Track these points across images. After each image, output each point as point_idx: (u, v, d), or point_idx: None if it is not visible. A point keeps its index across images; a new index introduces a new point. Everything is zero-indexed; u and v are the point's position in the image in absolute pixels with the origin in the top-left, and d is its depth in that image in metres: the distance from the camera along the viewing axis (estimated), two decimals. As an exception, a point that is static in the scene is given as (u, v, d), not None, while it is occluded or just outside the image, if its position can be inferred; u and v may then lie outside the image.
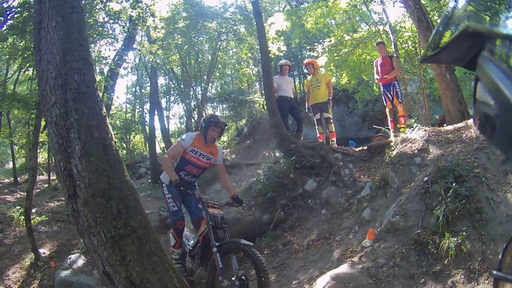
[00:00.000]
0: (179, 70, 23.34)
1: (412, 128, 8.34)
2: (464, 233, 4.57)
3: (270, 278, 5.15)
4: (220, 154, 6.25)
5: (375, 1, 14.86)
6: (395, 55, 11.14)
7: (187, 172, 5.97)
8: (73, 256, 9.45)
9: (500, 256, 1.55)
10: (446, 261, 4.43)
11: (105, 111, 5.20)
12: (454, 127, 7.27)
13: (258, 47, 13.12)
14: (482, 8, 1.24)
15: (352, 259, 5.31)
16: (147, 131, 23.19)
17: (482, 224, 4.69)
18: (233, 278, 4.97)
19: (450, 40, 1.31)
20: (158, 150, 22.38)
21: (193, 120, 22.21)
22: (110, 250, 4.22)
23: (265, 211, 8.59)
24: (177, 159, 5.97)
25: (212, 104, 27.90)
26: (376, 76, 10.14)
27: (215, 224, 5.36)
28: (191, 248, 5.81)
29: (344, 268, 4.97)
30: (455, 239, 4.52)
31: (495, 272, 1.53)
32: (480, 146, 5.98)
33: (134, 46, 17.92)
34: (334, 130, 10.64)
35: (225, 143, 25.73)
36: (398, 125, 9.79)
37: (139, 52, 18.46)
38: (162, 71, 21.90)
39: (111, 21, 12.80)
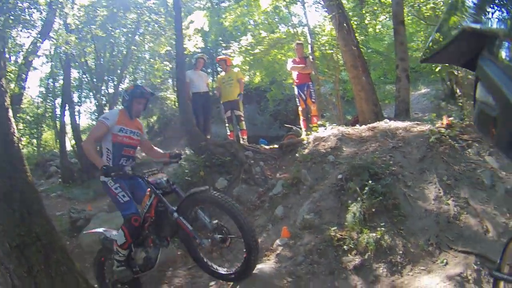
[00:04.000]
0: (93, 64, 22.06)
1: (325, 128, 8.40)
2: (383, 228, 4.56)
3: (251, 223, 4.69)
4: (144, 129, 5.43)
5: (296, 4, 15.04)
6: (310, 56, 11.16)
7: (127, 157, 5.03)
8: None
9: (499, 257, 1.68)
10: (366, 256, 4.37)
11: (8, 103, 4.79)
12: (368, 126, 7.34)
13: (175, 42, 12.64)
14: (482, 8, 1.25)
15: (268, 258, 5.09)
16: (58, 127, 21.67)
17: (400, 219, 4.73)
18: (209, 234, 4.36)
19: (450, 41, 1.37)
20: (68, 147, 20.90)
21: None
22: (16, 261, 3.95)
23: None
24: (110, 149, 4.88)
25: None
26: (290, 64, 10.20)
27: (164, 191, 4.57)
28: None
29: (261, 267, 4.72)
30: (374, 234, 4.49)
31: (495, 272, 1.70)
32: (396, 145, 6.05)
33: (51, 34, 16.60)
34: (245, 128, 10.49)
35: None
36: (311, 124, 9.84)
37: (55, 42, 17.14)
38: (77, 63, 20.53)
39: (31, 7, 12.09)
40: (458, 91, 10.28)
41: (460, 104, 7.26)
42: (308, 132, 9.01)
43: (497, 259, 3.95)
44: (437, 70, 9.57)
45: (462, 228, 4.48)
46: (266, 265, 4.79)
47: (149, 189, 4.62)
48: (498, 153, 5.34)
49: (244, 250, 4.18)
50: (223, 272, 4.53)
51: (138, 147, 5.35)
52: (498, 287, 1.78)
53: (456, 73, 9.30)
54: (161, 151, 5.58)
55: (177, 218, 4.32)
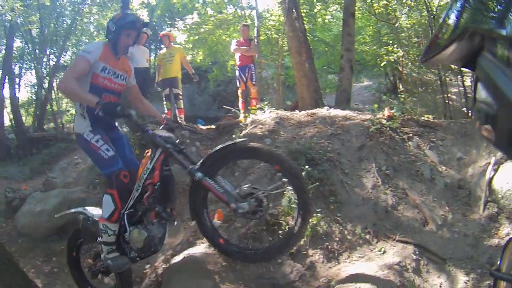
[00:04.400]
0: (37, 34, 20.74)
1: (264, 111, 8.22)
2: (319, 214, 4.29)
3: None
4: (132, 72, 4.34)
5: None
6: (255, 39, 11.00)
7: None
8: None
9: (499, 257, 1.66)
10: (302, 242, 4.07)
11: None
12: (308, 112, 7.18)
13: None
14: (482, 9, 1.28)
15: (202, 241, 4.64)
16: None
17: (337, 206, 4.53)
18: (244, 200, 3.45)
19: (450, 41, 1.36)
20: (7, 123, 19.39)
21: (43, 90, 19.56)
22: None
23: None
24: (86, 90, 3.77)
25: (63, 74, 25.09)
26: (234, 45, 9.99)
27: (175, 147, 3.66)
28: (127, 211, 3.79)
29: (198, 249, 4.33)
30: (310, 220, 4.11)
31: (495, 271, 1.65)
32: (334, 132, 5.86)
33: None
34: (182, 107, 10.25)
35: (73, 116, 23.54)
36: (250, 107, 9.71)
37: (0, 9, 16.15)
38: (20, 32, 19.06)
39: None
40: (401, 86, 10.40)
41: (402, 99, 7.22)
42: (246, 114, 8.83)
43: (436, 250, 3.81)
44: (381, 64, 9.58)
45: (400, 218, 4.40)
46: (198, 249, 4.39)
47: (148, 149, 3.81)
48: (438, 147, 5.35)
49: (298, 211, 3.46)
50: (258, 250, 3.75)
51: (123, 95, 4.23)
52: (498, 287, 1.69)
53: (400, 69, 9.31)
54: (153, 108, 4.60)
55: (202, 179, 3.46)
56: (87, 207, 4.31)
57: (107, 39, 3.98)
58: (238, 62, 9.90)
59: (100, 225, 3.70)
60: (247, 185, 3.57)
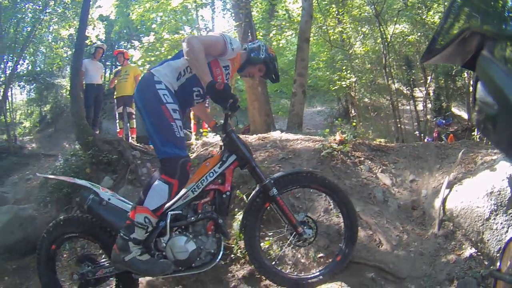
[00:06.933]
0: None
1: (215, 134, 7.96)
2: (271, 238, 4.23)
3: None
4: None
5: (205, 7, 15.13)
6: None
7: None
8: None
9: (499, 258, 1.78)
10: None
11: None
12: (259, 136, 7.12)
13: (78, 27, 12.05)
14: (482, 9, 1.30)
15: None
16: None
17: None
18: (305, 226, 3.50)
19: (450, 40, 1.38)
20: None
21: None
22: None
23: (61, 209, 7.51)
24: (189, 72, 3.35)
25: (19, 83, 24.20)
26: None
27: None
28: (172, 211, 3.26)
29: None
30: (262, 244, 4.10)
31: (494, 272, 1.78)
32: (286, 156, 5.77)
33: None
34: (135, 126, 10.20)
35: (27, 129, 23.08)
36: (201, 129, 9.66)
37: None
38: None
39: None
40: (353, 111, 10.55)
41: (354, 123, 7.32)
42: (197, 137, 8.76)
43: (393, 270, 3.75)
44: (333, 89, 9.80)
45: None
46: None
47: (218, 150, 3.56)
48: (391, 170, 5.38)
49: (346, 238, 3.71)
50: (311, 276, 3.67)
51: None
52: (497, 287, 1.77)
53: (353, 94, 9.52)
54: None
55: (277, 195, 3.39)
56: (96, 185, 3.60)
57: (244, 50, 3.72)
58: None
59: (138, 216, 3.06)
60: (303, 214, 3.61)
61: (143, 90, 3.27)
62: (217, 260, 3.29)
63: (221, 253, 3.30)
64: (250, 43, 3.80)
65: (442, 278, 3.68)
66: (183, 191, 3.25)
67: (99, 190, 3.42)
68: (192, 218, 3.24)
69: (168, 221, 3.16)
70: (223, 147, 3.46)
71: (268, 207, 3.64)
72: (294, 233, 3.49)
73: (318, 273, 3.65)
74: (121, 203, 3.41)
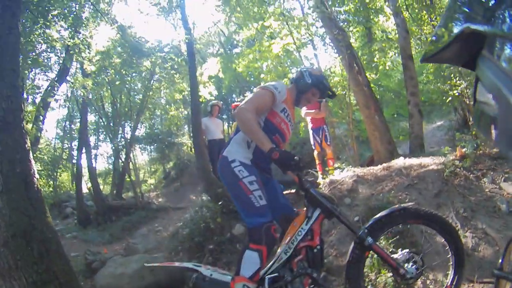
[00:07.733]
0: (109, 108, 22.72)
1: (341, 170, 8.31)
2: None
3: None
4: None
5: (307, 47, 15.23)
6: (323, 99, 11.23)
7: None
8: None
9: (501, 256, 1.61)
10: None
11: (29, 144, 4.86)
12: (383, 166, 7.28)
13: (189, 89, 13.01)
14: (481, 9, 1.25)
15: None
16: (75, 170, 21.95)
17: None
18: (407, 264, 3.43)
19: (450, 41, 1.35)
20: (84, 190, 21.23)
21: (120, 161, 21.44)
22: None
23: (193, 257, 8.10)
24: (260, 122, 3.52)
25: (140, 145, 27.00)
26: (303, 111, 9.83)
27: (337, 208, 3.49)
28: (268, 275, 3.35)
29: None
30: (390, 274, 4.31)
31: (496, 271, 1.63)
32: (411, 182, 5.99)
33: (68, 78, 17.34)
34: None
35: (152, 186, 25.12)
36: (327, 168, 9.71)
37: (72, 85, 17.84)
38: (93, 107, 20.99)
39: (48, 50, 12.47)
40: (471, 119, 10.22)
41: (473, 132, 7.27)
42: (324, 176, 8.87)
43: None
44: (447, 101, 9.57)
45: (481, 259, 4.43)
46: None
47: (303, 208, 3.54)
48: None
49: (456, 270, 3.61)
50: None
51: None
52: (499, 285, 1.77)
53: (467, 101, 9.26)
54: None
55: (373, 244, 3.38)
56: (199, 264, 3.87)
57: (291, 83, 3.89)
58: (310, 125, 9.93)
59: (237, 285, 3.19)
60: (405, 251, 3.54)
61: (223, 172, 3.51)
62: None
63: None
64: (293, 75, 3.99)
65: None
66: (276, 254, 3.40)
67: (201, 269, 3.65)
68: (289, 278, 3.27)
69: (267, 285, 3.25)
70: (306, 204, 3.50)
71: (369, 256, 3.64)
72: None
73: None
74: (222, 276, 3.57)
